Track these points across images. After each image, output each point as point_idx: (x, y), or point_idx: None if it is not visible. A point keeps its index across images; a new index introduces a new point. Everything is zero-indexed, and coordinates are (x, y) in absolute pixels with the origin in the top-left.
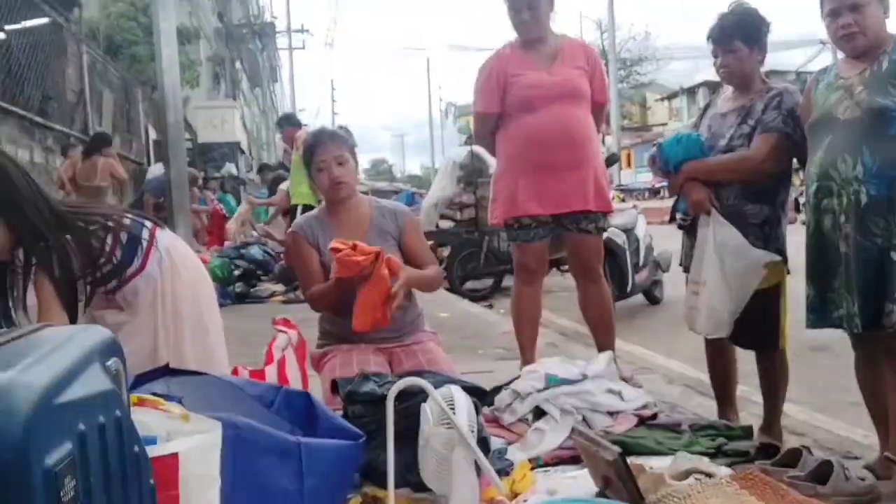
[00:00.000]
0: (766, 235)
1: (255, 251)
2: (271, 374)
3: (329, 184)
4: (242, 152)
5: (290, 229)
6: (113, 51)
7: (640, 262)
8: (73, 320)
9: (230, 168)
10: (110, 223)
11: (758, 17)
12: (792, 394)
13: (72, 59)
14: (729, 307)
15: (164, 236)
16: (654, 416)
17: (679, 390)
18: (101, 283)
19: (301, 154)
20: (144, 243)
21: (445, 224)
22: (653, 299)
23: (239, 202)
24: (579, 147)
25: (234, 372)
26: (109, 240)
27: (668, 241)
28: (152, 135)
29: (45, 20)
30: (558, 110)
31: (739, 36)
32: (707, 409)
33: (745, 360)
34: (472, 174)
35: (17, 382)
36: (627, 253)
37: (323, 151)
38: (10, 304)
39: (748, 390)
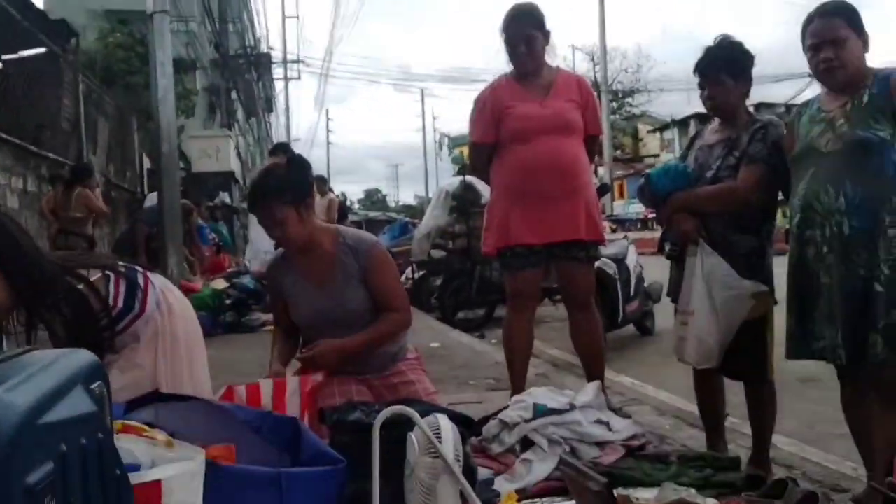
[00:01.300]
0: (753, 266)
1: (246, 280)
2: (266, 387)
3: (276, 245)
4: (236, 181)
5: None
6: (109, 80)
7: (632, 293)
8: None
9: (223, 197)
10: (109, 272)
11: (743, 50)
12: (781, 425)
13: (68, 89)
14: (717, 337)
15: (156, 277)
16: (643, 446)
17: (669, 422)
18: (110, 331)
19: None
20: (140, 287)
21: (437, 254)
22: (644, 330)
23: (231, 230)
24: (571, 178)
25: (229, 390)
26: (112, 288)
27: (659, 271)
28: (146, 164)
29: (41, 50)
30: (551, 142)
31: (725, 69)
32: (697, 440)
33: (735, 391)
34: (464, 204)
35: (0, 401)
36: (618, 283)
37: (259, 217)
38: None
39: (737, 421)
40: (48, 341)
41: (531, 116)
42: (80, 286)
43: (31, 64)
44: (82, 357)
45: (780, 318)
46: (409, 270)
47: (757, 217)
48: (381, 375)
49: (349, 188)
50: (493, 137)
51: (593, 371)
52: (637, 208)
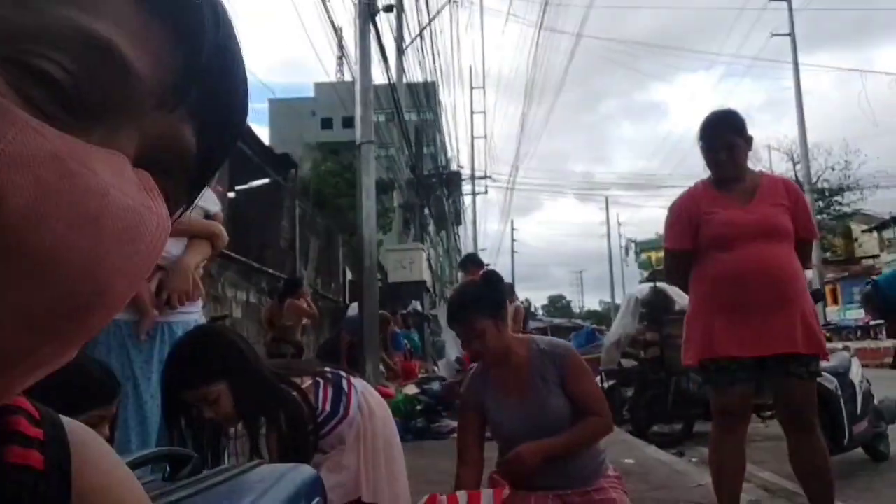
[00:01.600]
0: None
1: (436, 386)
2: (462, 499)
3: (472, 358)
4: (427, 290)
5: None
6: (320, 203)
7: (858, 411)
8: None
9: (415, 305)
10: (319, 379)
11: None
12: None
13: (287, 213)
14: None
15: (358, 381)
16: None
17: None
18: (315, 435)
19: None
20: (345, 392)
21: (628, 363)
22: (876, 455)
23: (422, 337)
24: (782, 286)
25: (432, 497)
26: (321, 393)
27: (890, 387)
28: (349, 275)
29: (266, 180)
30: (757, 248)
31: None
32: None
33: None
34: (656, 311)
35: None
36: (842, 400)
37: (459, 331)
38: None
39: None
40: (263, 447)
41: (734, 222)
42: (295, 394)
43: (257, 193)
44: (305, 472)
45: None
46: (598, 380)
47: None
48: (581, 490)
49: (532, 294)
50: (691, 244)
51: (820, 501)
52: (855, 315)
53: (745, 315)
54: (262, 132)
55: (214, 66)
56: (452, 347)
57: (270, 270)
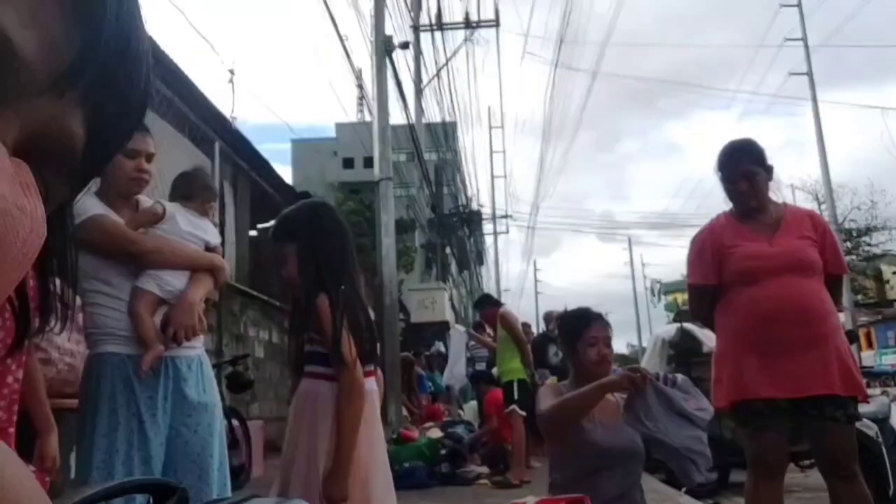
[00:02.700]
0: None
1: (460, 430)
2: None
3: (595, 359)
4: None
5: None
6: None
7: None
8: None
9: (438, 346)
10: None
11: None
12: None
13: None
14: None
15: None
16: None
17: None
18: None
19: (561, 325)
20: None
21: None
22: None
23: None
24: (815, 323)
25: None
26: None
27: None
28: (371, 315)
29: None
30: (785, 282)
31: None
32: None
33: None
34: (683, 353)
35: None
36: (883, 448)
37: (596, 329)
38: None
39: None
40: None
41: (759, 256)
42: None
43: None
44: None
45: None
46: None
47: None
48: None
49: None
50: (715, 279)
51: None
52: (891, 359)
53: (778, 354)
54: (286, 172)
55: (113, 47)
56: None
57: None
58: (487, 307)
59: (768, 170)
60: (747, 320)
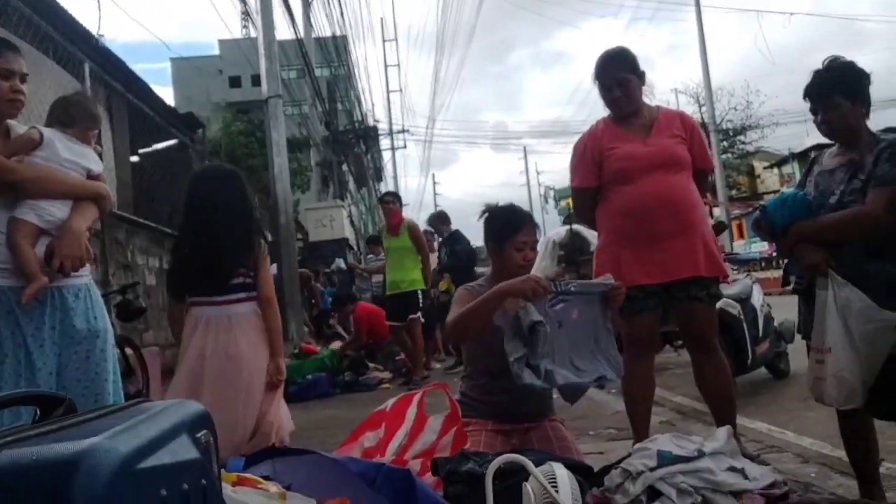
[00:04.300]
0: (894, 294)
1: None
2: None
3: (521, 262)
4: (350, 248)
5: (462, 288)
6: (232, 164)
7: (760, 333)
8: None
9: (339, 263)
10: None
11: (856, 70)
12: None
13: None
14: (859, 374)
15: None
16: (785, 495)
17: (815, 469)
18: None
19: (490, 223)
20: None
21: None
22: (777, 373)
23: None
24: (683, 214)
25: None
26: None
27: (789, 310)
28: (268, 237)
29: (173, 142)
30: (657, 179)
31: (839, 90)
32: (847, 488)
33: (891, 434)
34: (572, 253)
35: (100, 447)
36: (744, 324)
37: (527, 233)
38: None
39: (894, 467)
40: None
41: (634, 156)
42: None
43: (163, 155)
44: (189, 407)
45: None
46: None
47: (894, 242)
48: (535, 424)
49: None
50: (596, 181)
51: (724, 417)
52: (759, 248)
53: (650, 244)
54: (166, 93)
55: None
56: None
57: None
58: (390, 199)
59: (640, 76)
60: (622, 217)
